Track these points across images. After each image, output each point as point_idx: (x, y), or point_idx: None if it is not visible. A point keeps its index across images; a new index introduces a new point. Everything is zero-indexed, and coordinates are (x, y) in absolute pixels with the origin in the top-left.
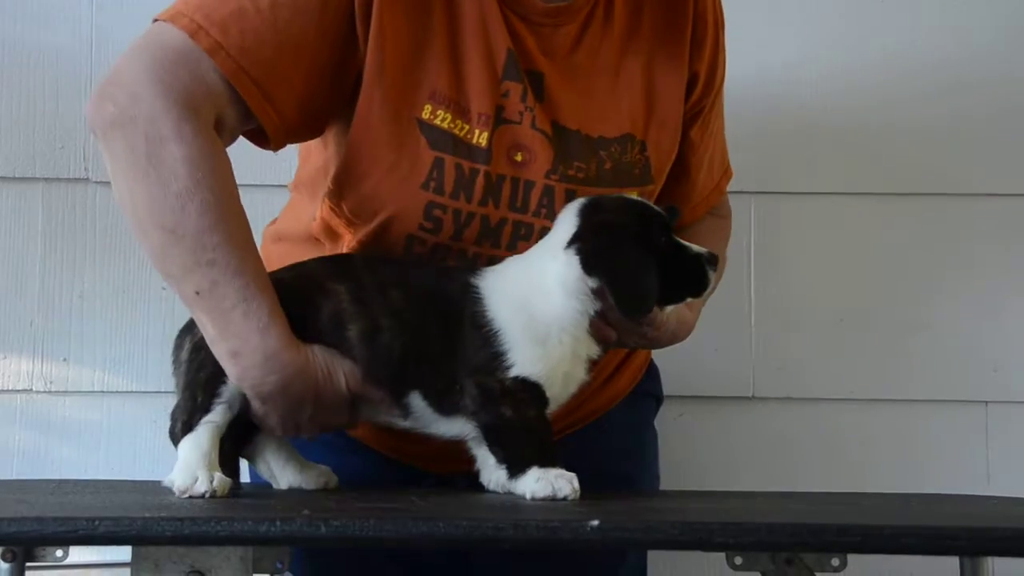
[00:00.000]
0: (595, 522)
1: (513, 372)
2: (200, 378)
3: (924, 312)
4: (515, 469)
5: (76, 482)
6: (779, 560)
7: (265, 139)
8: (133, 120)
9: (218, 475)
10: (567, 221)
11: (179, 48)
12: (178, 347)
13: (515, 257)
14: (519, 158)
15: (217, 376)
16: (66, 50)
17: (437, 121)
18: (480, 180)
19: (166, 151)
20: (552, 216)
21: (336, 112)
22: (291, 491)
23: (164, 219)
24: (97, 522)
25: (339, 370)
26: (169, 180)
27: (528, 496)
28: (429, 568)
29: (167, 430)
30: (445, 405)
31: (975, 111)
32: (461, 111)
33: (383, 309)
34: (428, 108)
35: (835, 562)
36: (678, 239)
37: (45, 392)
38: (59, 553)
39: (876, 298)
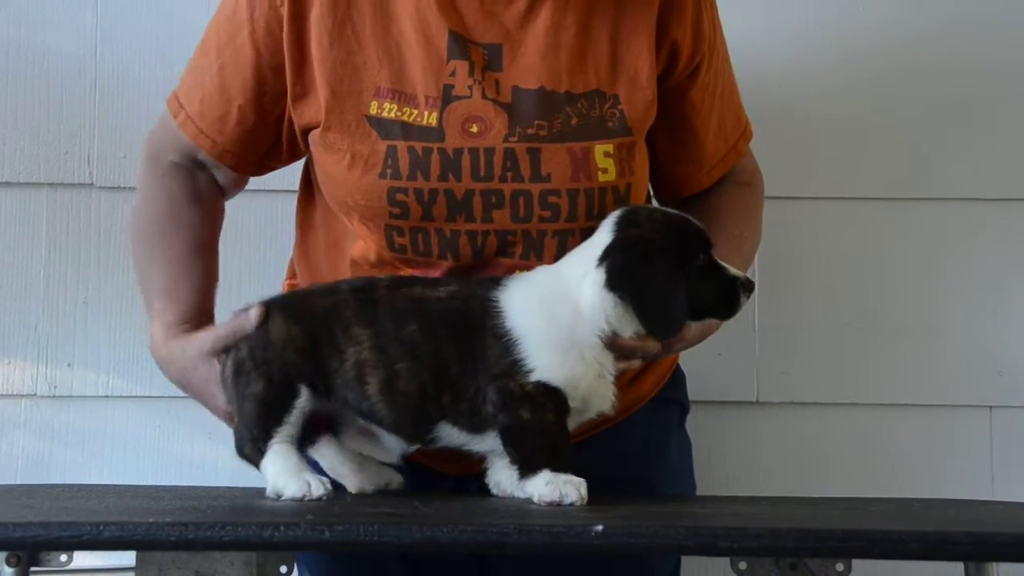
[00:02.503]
0: (599, 527)
1: (534, 377)
2: (247, 410)
3: (929, 317)
4: (526, 470)
5: (80, 487)
6: (783, 565)
7: (249, 170)
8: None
9: (319, 478)
10: (603, 233)
11: (164, 118)
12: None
13: (546, 266)
14: (474, 129)
15: (264, 410)
16: (71, 55)
17: (384, 113)
18: (435, 157)
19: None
20: (519, 179)
21: (294, 133)
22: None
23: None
24: (102, 527)
25: (213, 387)
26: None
27: (535, 498)
28: (442, 573)
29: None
30: (475, 423)
31: (981, 116)
32: (407, 99)
33: (400, 352)
34: (375, 104)
35: (840, 567)
36: (718, 260)
37: (49, 397)
38: (63, 558)
39: (881, 303)
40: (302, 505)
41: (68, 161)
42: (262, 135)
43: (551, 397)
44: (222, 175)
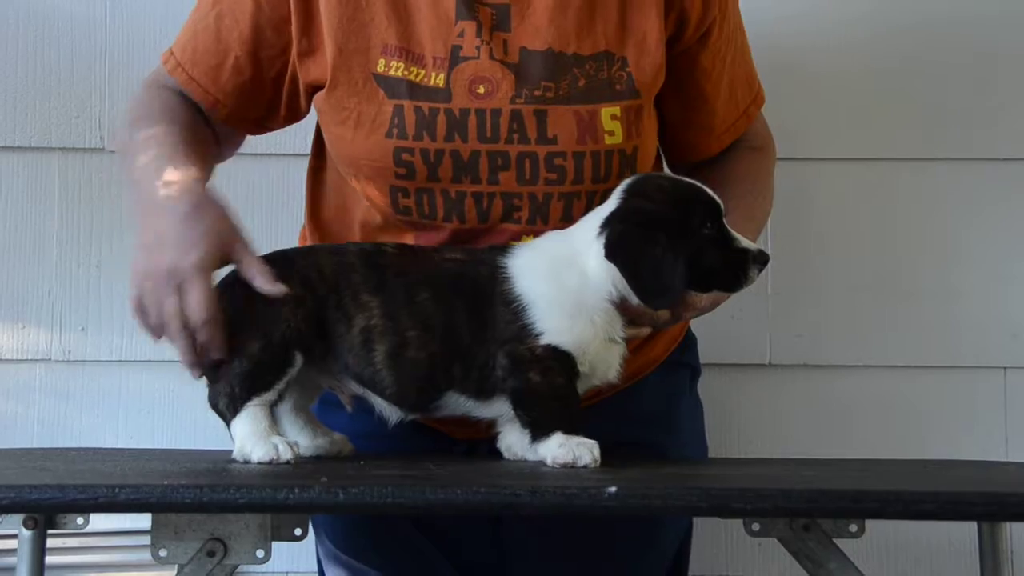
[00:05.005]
0: (612, 488)
1: (543, 340)
2: (236, 367)
3: (943, 278)
4: (539, 432)
5: (96, 450)
6: (797, 526)
7: (244, 127)
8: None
9: (286, 441)
10: (612, 201)
11: (158, 69)
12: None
13: (555, 232)
14: (481, 90)
15: (255, 372)
16: (81, 20)
17: (392, 72)
18: (441, 117)
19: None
20: (526, 140)
21: (295, 92)
22: (308, 458)
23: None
24: (118, 490)
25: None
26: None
27: (549, 460)
28: (457, 540)
29: (206, 397)
30: (483, 390)
31: (994, 76)
32: (414, 59)
33: (410, 320)
34: (382, 62)
35: (853, 528)
36: (730, 231)
37: (64, 361)
38: (80, 520)
39: (894, 264)
40: (317, 468)
41: (79, 125)
42: (258, 91)
43: (561, 360)
44: (216, 122)
